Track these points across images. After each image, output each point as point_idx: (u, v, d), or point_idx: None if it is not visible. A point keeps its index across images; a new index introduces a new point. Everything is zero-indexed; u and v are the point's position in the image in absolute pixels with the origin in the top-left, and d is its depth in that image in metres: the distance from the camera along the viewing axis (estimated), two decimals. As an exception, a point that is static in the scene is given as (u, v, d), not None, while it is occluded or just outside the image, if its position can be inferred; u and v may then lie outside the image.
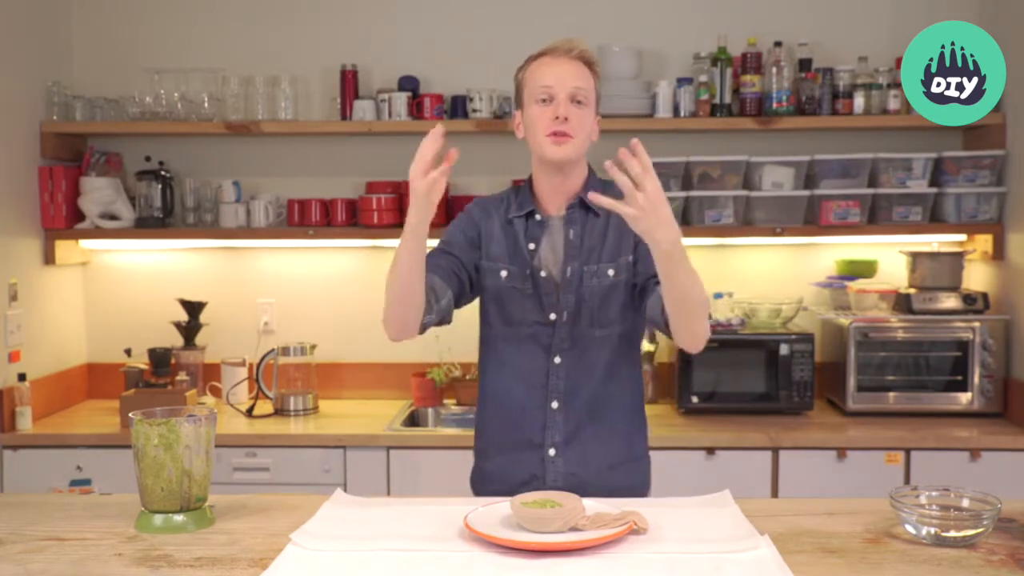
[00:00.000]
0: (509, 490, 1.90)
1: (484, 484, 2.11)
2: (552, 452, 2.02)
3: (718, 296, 3.45)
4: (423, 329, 1.98)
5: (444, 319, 2.02)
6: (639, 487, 2.10)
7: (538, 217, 2.06)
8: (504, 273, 2.05)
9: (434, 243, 2.07)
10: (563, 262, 2.02)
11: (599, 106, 2.04)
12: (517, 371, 2.05)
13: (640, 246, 1.96)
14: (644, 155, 1.65)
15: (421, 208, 1.81)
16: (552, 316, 2.02)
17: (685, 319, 1.84)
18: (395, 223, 3.44)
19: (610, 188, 2.04)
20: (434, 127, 1.76)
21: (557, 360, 2.02)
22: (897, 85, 3.33)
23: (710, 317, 2.03)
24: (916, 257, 3.40)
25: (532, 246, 2.05)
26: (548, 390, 2.03)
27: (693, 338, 1.88)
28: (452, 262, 2.04)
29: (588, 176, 2.07)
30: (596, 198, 1.74)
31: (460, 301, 2.07)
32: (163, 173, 3.56)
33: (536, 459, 2.03)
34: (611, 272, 2.01)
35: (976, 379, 3.26)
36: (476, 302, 2.13)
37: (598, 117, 2.05)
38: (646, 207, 1.65)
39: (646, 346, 3.55)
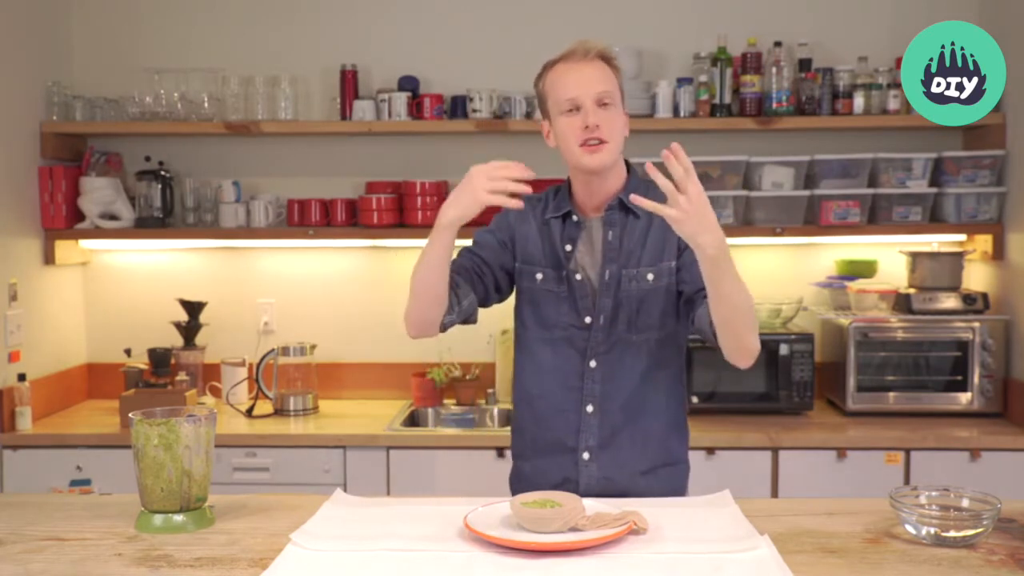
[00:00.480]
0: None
1: (520, 484, 2.09)
2: (586, 456, 2.00)
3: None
4: (444, 328, 1.98)
5: (468, 319, 2.02)
6: (676, 492, 2.06)
7: (575, 218, 2.04)
8: (539, 276, 2.03)
9: (465, 242, 2.07)
10: (601, 264, 2.00)
11: (625, 102, 2.01)
12: (552, 373, 2.03)
13: (685, 253, 1.95)
14: (685, 157, 1.65)
15: (466, 208, 1.82)
16: (587, 319, 1.99)
17: (734, 331, 1.82)
18: (395, 223, 3.44)
19: (652, 189, 2.03)
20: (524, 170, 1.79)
21: (592, 364, 2.00)
22: (897, 85, 3.33)
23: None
24: (916, 257, 3.40)
25: (568, 248, 2.02)
26: (583, 393, 2.00)
27: (742, 352, 1.86)
28: (477, 263, 2.03)
29: (628, 176, 2.04)
30: (638, 200, 1.73)
31: (486, 302, 2.06)
32: (163, 173, 3.56)
33: (570, 462, 2.01)
34: (651, 276, 1.98)
35: (976, 379, 3.26)
36: (510, 303, 2.12)
37: (626, 112, 2.01)
38: (689, 210, 1.65)
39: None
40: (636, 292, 1.98)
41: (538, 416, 2.06)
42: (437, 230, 1.86)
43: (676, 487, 2.08)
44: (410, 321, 1.97)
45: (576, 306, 2.00)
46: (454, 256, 2.00)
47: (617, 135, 1.97)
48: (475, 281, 2.02)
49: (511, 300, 2.13)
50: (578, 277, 2.00)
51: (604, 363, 2.00)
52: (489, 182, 1.80)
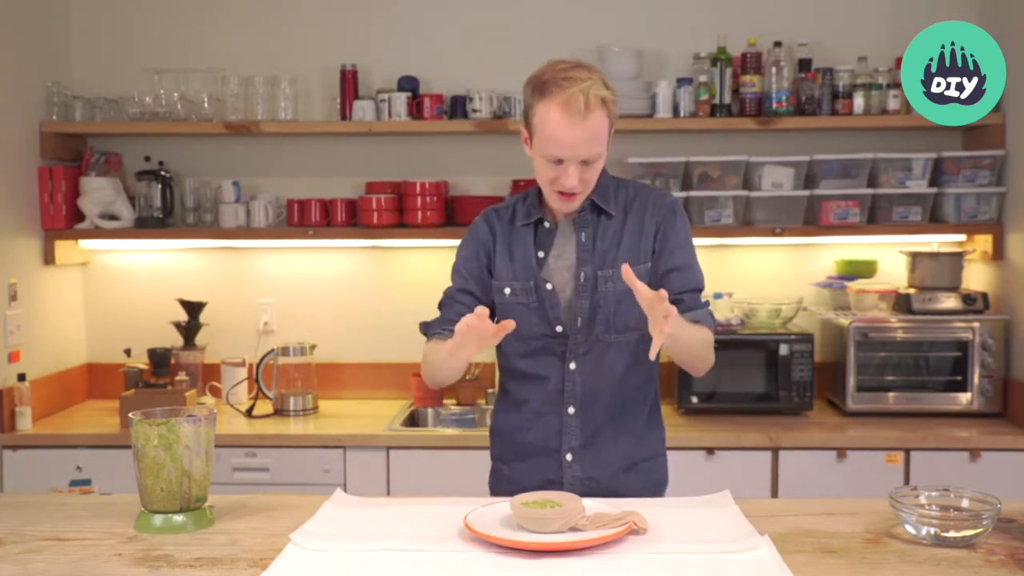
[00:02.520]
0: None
1: (500, 486, 2.11)
2: (569, 457, 2.02)
3: (718, 296, 3.45)
4: None
5: None
6: (657, 485, 2.09)
7: (547, 224, 2.03)
8: (507, 290, 2.03)
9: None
10: (576, 267, 2.00)
11: (611, 137, 1.94)
12: (534, 380, 2.03)
13: (660, 263, 1.99)
14: (665, 309, 1.68)
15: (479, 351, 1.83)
16: (559, 328, 2.00)
17: (691, 366, 2.00)
18: (395, 223, 3.44)
19: (623, 187, 2.03)
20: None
21: (572, 366, 2.00)
22: (897, 85, 3.33)
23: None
24: (916, 257, 3.40)
25: (541, 254, 2.02)
26: (565, 396, 2.01)
27: (697, 372, 2.03)
28: (475, 303, 2.00)
29: (599, 177, 2.00)
30: (628, 276, 1.73)
31: None
32: (163, 173, 3.56)
33: (553, 464, 2.02)
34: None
35: (976, 379, 3.26)
36: None
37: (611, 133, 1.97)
38: (667, 312, 1.69)
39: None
40: (613, 293, 1.98)
41: (521, 421, 2.06)
42: (450, 349, 1.86)
43: (658, 480, 2.11)
44: (429, 384, 2.08)
45: (547, 316, 2.00)
46: (451, 289, 2.08)
47: (593, 183, 1.96)
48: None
49: None
50: (548, 287, 2.00)
51: (584, 365, 2.00)
52: (494, 339, 1.79)
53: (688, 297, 1.98)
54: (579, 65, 1.89)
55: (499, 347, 2.10)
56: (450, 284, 2.11)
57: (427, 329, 2.09)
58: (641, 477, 2.05)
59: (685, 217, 2.07)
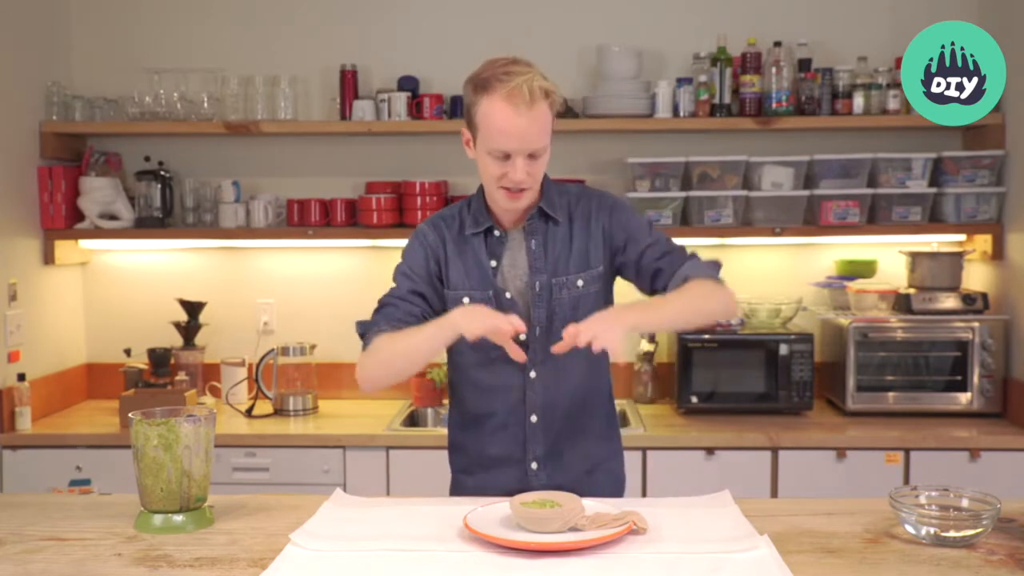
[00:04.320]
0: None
1: (463, 495, 2.09)
2: (535, 466, 2.02)
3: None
4: None
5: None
6: (619, 485, 2.12)
7: (497, 233, 2.01)
8: (466, 299, 1.98)
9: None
10: (529, 276, 1.98)
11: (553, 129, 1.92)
12: (493, 392, 2.02)
13: (628, 249, 1.99)
14: (572, 339, 1.71)
15: (483, 330, 1.78)
16: (521, 337, 1.95)
17: (698, 325, 1.98)
18: (395, 223, 3.44)
19: (564, 193, 2.04)
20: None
21: (533, 375, 2.00)
22: (897, 85, 3.33)
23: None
24: (916, 257, 3.41)
25: (494, 263, 1.99)
26: (527, 405, 2.01)
27: (715, 319, 1.99)
28: (425, 310, 1.98)
29: (543, 185, 1.99)
30: (559, 349, 1.76)
31: None
32: (163, 173, 3.56)
33: (519, 473, 2.02)
34: (580, 283, 1.98)
35: (976, 379, 3.26)
36: None
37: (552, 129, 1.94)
38: (592, 334, 1.70)
39: (645, 346, 3.55)
40: (568, 299, 1.98)
41: (483, 434, 2.05)
42: (449, 329, 1.81)
43: (617, 478, 2.12)
44: (369, 383, 1.94)
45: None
46: (398, 291, 2.01)
47: (540, 178, 1.94)
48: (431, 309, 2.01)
49: None
50: (508, 295, 1.98)
51: (544, 373, 1.99)
52: (508, 326, 1.76)
53: (665, 263, 1.97)
54: (517, 61, 1.89)
55: (452, 359, 2.07)
56: (390, 287, 2.04)
57: (368, 327, 1.98)
58: (604, 478, 2.07)
59: (627, 204, 2.08)
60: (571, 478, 2.00)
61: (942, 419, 3.25)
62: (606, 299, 2.03)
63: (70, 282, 3.65)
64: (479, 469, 2.08)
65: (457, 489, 2.13)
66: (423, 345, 1.85)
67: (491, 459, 2.05)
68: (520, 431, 2.01)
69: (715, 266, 1.99)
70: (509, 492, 1.96)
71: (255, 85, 3.50)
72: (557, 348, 1.76)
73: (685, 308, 1.90)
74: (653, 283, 1.98)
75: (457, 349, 2.03)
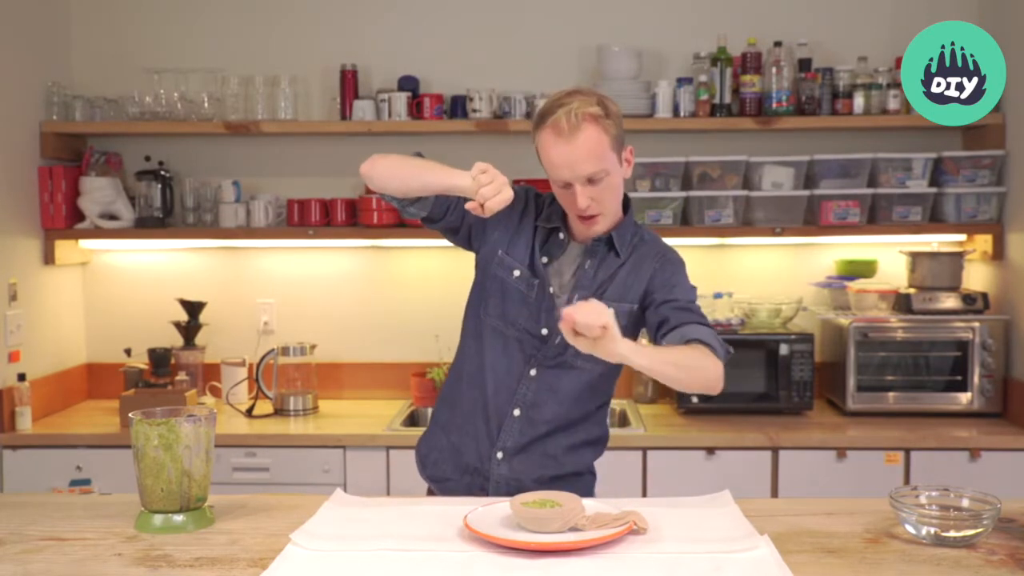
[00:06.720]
0: (450, 472, 2.04)
1: (432, 454, 2.13)
2: (500, 455, 2.03)
3: (718, 296, 3.46)
4: (406, 212, 2.01)
5: (427, 219, 2.04)
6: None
7: (561, 236, 2.04)
8: (517, 272, 2.02)
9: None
10: (571, 289, 2.00)
11: (622, 145, 1.94)
12: (493, 366, 2.04)
13: (659, 282, 1.98)
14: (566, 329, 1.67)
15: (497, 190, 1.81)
16: (544, 331, 1.99)
17: (675, 385, 1.87)
18: (395, 223, 3.44)
19: (639, 232, 2.05)
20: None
21: (532, 372, 2.01)
22: (897, 85, 3.33)
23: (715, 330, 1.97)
24: (916, 257, 3.41)
25: (544, 260, 2.03)
26: (515, 396, 2.02)
27: (685, 388, 1.90)
28: (457, 215, 2.03)
29: (623, 218, 2.02)
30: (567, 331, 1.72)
31: (441, 222, 2.06)
32: (163, 173, 3.56)
33: (485, 452, 2.04)
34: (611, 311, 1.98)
35: (976, 379, 3.26)
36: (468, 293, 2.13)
37: (627, 149, 1.97)
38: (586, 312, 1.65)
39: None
40: None
41: (470, 403, 2.07)
42: (462, 176, 1.85)
43: (584, 495, 2.09)
44: (374, 171, 1.98)
45: (537, 314, 2.00)
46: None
47: (612, 204, 1.96)
48: (450, 215, 2.04)
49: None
50: (551, 290, 2.00)
51: (543, 376, 2.01)
52: (494, 190, 1.79)
53: (676, 316, 1.93)
54: (573, 92, 1.91)
55: (477, 321, 2.06)
56: None
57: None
58: (567, 488, 2.00)
59: (683, 265, 2.05)
60: (532, 480, 2.01)
61: (942, 419, 3.25)
62: (631, 337, 2.00)
63: (70, 282, 3.65)
64: (455, 430, 2.10)
65: (428, 442, 2.15)
66: (436, 169, 1.90)
67: (470, 427, 2.07)
68: (499, 418, 2.03)
69: (721, 344, 1.91)
70: (469, 469, 2.05)
71: (255, 85, 3.50)
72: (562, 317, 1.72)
73: (667, 362, 1.80)
74: (658, 329, 1.96)
75: (485, 309, 2.05)
